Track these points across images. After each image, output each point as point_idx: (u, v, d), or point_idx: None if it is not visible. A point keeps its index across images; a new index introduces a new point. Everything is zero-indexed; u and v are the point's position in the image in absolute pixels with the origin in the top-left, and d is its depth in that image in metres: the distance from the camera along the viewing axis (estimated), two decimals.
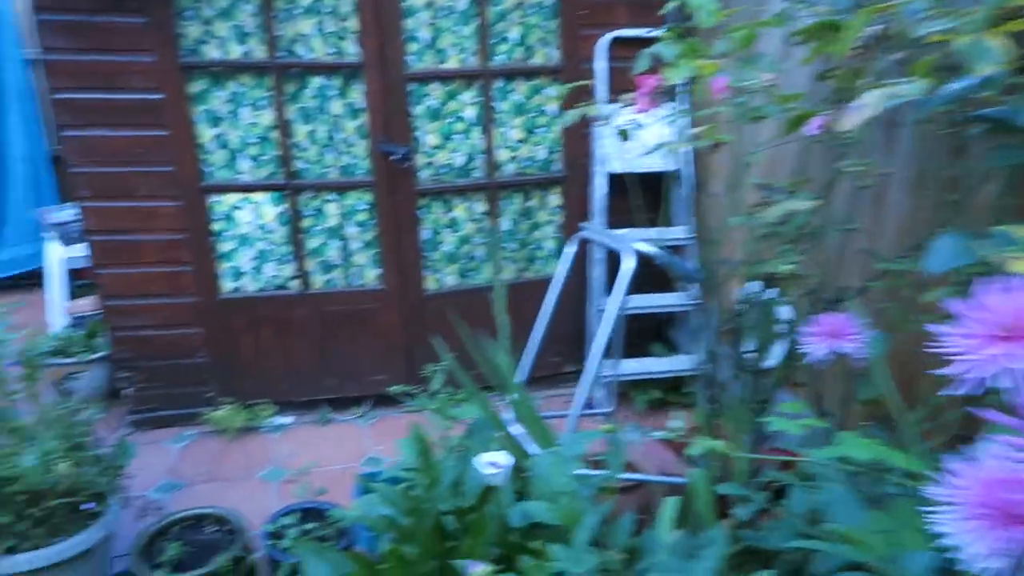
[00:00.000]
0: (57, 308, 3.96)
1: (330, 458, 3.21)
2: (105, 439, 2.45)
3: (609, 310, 2.37)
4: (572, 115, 2.13)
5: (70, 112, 2.95)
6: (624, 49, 3.37)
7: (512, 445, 2.16)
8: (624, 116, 2.27)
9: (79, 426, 2.32)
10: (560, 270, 2.76)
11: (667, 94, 2.38)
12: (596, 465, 2.58)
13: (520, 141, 3.43)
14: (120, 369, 3.34)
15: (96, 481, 2.28)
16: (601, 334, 2.37)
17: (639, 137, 2.34)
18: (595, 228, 2.80)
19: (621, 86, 3.14)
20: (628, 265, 2.38)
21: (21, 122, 4.63)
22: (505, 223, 3.51)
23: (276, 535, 2.38)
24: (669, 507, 1.86)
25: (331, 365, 3.47)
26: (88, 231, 3.14)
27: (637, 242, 2.46)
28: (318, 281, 3.39)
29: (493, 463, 1.83)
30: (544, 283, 2.90)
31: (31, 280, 4.92)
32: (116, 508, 2.36)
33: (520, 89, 3.36)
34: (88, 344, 3.56)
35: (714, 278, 2.35)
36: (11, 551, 2.13)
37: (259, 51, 3.03)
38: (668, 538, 1.77)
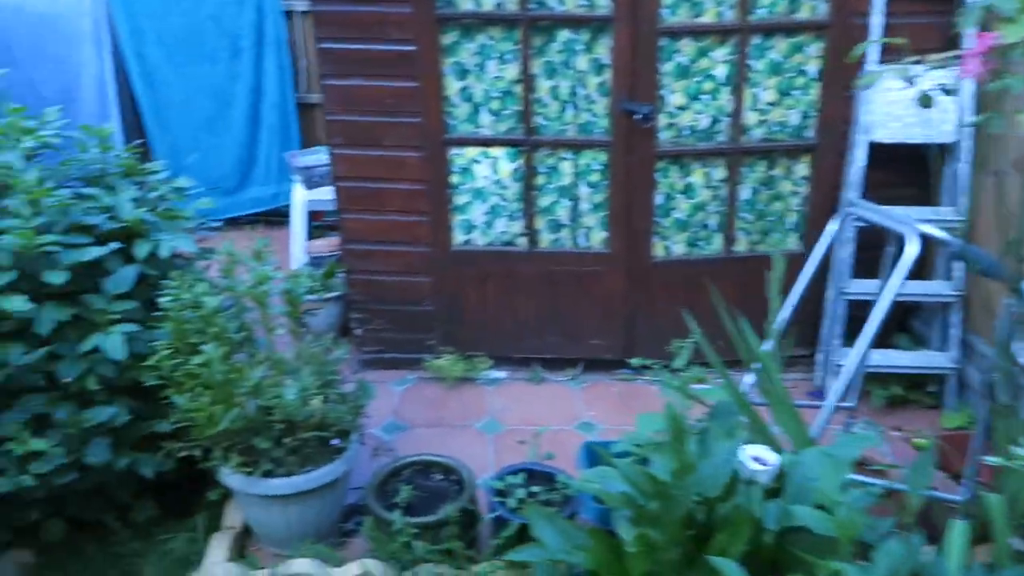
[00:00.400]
0: (298, 247, 4.23)
1: (542, 417, 3.19)
2: (346, 377, 2.56)
3: (884, 297, 2.10)
4: (871, 75, 1.87)
5: (332, 61, 3.07)
6: (903, 3, 2.98)
7: (763, 435, 1.99)
8: (928, 79, 1.97)
9: (330, 364, 2.43)
10: (818, 248, 2.51)
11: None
12: (860, 469, 2.35)
13: (772, 104, 3.15)
14: (353, 310, 3.51)
15: (342, 418, 2.38)
16: (872, 322, 2.12)
17: (940, 104, 2.03)
18: (866, 205, 2.51)
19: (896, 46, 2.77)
20: (912, 250, 2.10)
21: (276, 70, 4.97)
22: (744, 192, 3.27)
23: (501, 492, 2.38)
24: (958, 532, 1.62)
25: (550, 325, 3.44)
26: (337, 177, 3.28)
27: (923, 224, 2.16)
28: (545, 240, 3.34)
29: (759, 459, 1.67)
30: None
31: (272, 218, 5.32)
32: (356, 445, 2.46)
33: (779, 47, 3.07)
34: (325, 283, 3.77)
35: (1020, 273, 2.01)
36: (267, 474, 2.28)
37: (511, 3, 2.98)
38: (960, 570, 1.54)
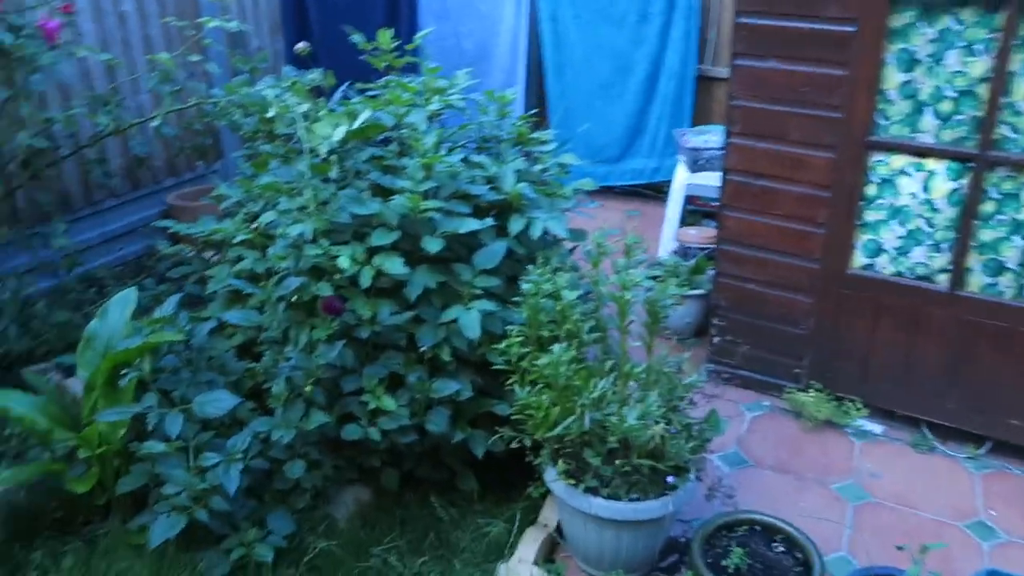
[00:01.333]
0: (669, 232, 3.98)
1: (922, 499, 2.57)
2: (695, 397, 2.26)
3: None
4: None
5: (748, 38, 2.69)
6: None
7: None
8: None
9: (680, 388, 2.15)
10: None
11: None
12: None
13: None
14: (715, 315, 3.17)
15: (681, 454, 2.10)
16: None
17: None
18: None
19: None
20: None
21: (681, 39, 4.69)
22: None
23: None
24: None
25: (955, 386, 2.75)
26: (727, 168, 2.92)
27: None
28: (975, 282, 2.64)
29: None
30: None
31: (648, 191, 5.14)
32: (692, 486, 2.16)
33: None
34: (690, 278, 3.48)
35: None
36: (590, 490, 2.10)
37: None
38: None
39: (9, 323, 2.95)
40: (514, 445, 2.19)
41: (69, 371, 2.77)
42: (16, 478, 2.19)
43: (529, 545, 2.29)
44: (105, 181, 3.53)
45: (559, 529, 2.36)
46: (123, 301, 2.36)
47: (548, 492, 2.31)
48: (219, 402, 2.06)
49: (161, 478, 2.05)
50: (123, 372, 2.12)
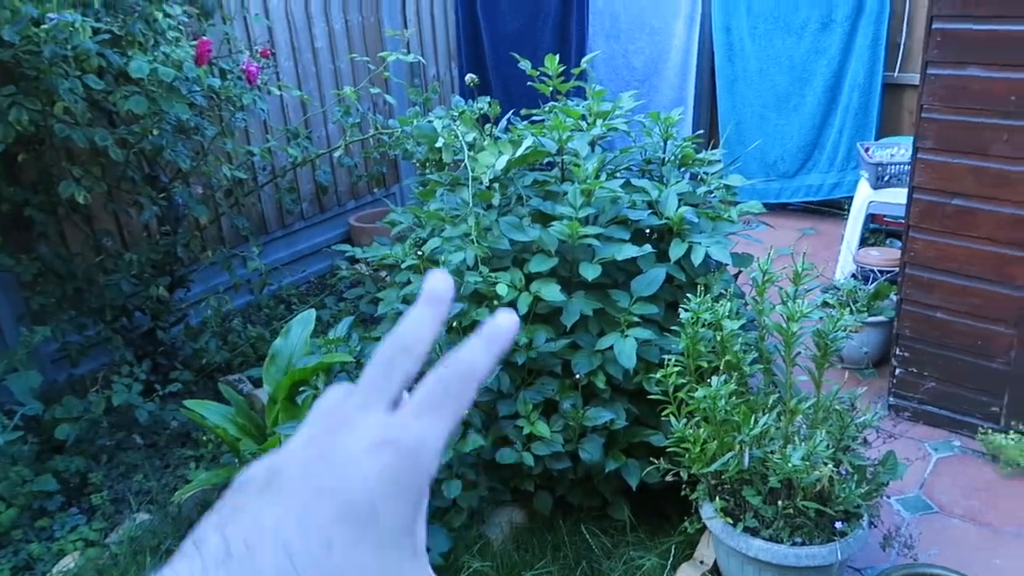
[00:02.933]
0: (847, 253, 3.72)
1: None
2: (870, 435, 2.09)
3: None
4: None
5: (943, 45, 2.48)
6: None
7: None
8: None
9: (852, 428, 2.00)
10: None
11: None
12: None
13: None
14: (898, 345, 2.92)
15: (851, 496, 1.95)
16: None
17: None
18: None
19: None
20: None
21: (868, 47, 4.37)
22: None
23: None
24: None
25: None
26: (916, 186, 2.69)
27: None
28: None
29: None
30: None
31: (824, 208, 4.85)
32: (864, 533, 2.00)
33: None
34: (870, 304, 3.23)
35: None
36: (750, 531, 2.01)
37: None
38: None
39: (210, 337, 3.29)
40: (669, 477, 2.13)
41: (257, 383, 3.04)
42: (210, 480, 2.43)
43: None
44: (293, 208, 3.85)
45: (716, 568, 2.27)
46: (304, 321, 2.56)
47: (705, 528, 2.23)
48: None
49: None
50: (301, 389, 2.29)
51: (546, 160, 2.60)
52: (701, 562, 2.28)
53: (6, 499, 2.52)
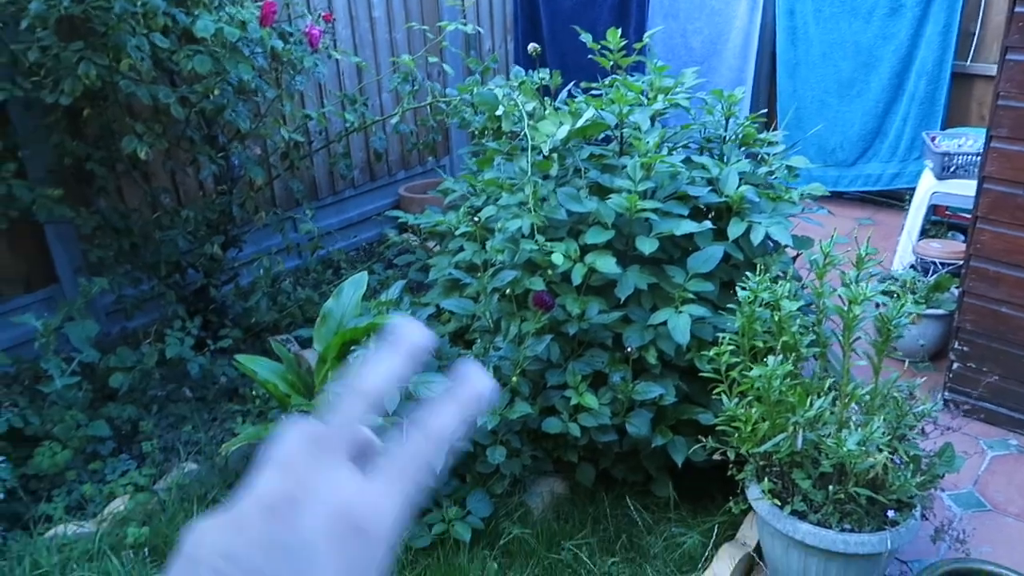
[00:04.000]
0: (907, 244, 3.63)
1: None
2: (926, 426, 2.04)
3: None
4: None
5: None
6: None
7: None
8: None
9: (910, 417, 1.95)
10: None
11: None
12: None
13: None
14: (956, 339, 2.84)
15: (906, 485, 1.90)
16: None
17: None
18: None
19: None
20: None
21: (939, 34, 4.21)
22: None
23: None
24: None
25: None
26: (986, 176, 2.60)
27: None
28: None
29: None
30: None
31: (882, 198, 4.73)
32: (916, 524, 1.96)
33: None
34: (929, 296, 3.14)
35: None
36: (798, 514, 1.97)
37: None
38: None
39: (261, 296, 3.33)
40: (715, 457, 2.11)
41: (305, 344, 3.07)
42: (258, 435, 2.47)
43: (725, 562, 2.19)
44: (347, 173, 3.88)
45: (758, 550, 2.24)
46: (356, 283, 2.58)
47: (749, 509, 2.20)
48: (432, 384, 2.18)
49: None
50: (352, 348, 2.31)
51: (602, 136, 2.57)
52: (744, 543, 2.26)
53: (62, 441, 2.59)
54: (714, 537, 2.29)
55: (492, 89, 2.51)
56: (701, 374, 2.10)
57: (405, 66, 3.19)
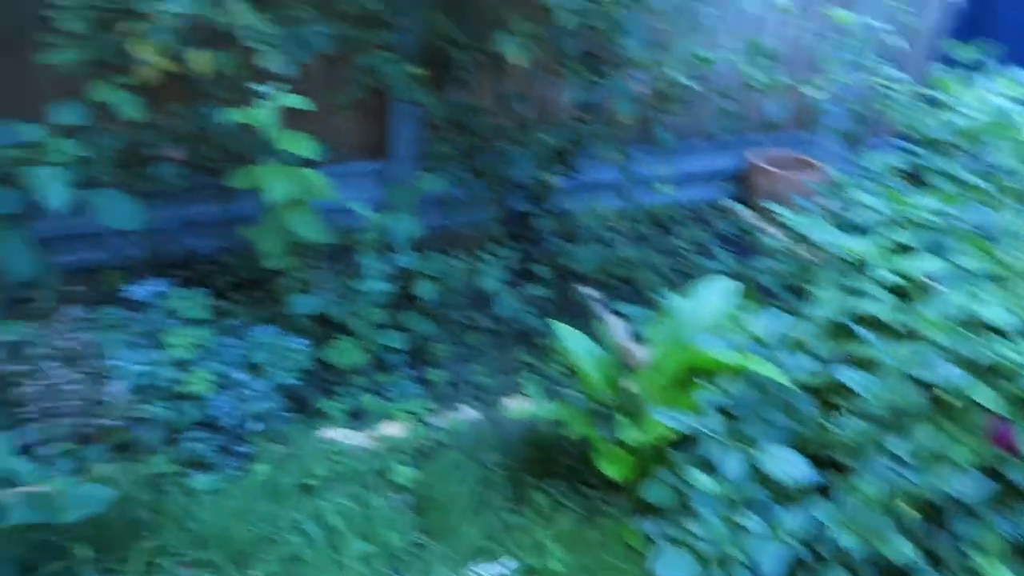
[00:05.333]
0: None
1: None
2: None
3: None
4: None
5: None
6: None
7: None
8: None
9: None
10: None
11: None
12: None
13: None
14: None
15: None
16: None
17: None
18: None
19: None
20: None
21: None
22: None
23: None
24: None
25: None
26: None
27: None
28: None
29: None
30: None
31: None
32: None
33: None
34: None
35: None
36: None
37: None
38: None
39: (584, 245, 3.00)
40: None
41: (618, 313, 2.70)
42: (552, 414, 2.16)
43: None
44: (733, 125, 3.33)
45: None
46: (720, 290, 2.10)
47: None
48: (790, 466, 1.70)
49: (689, 505, 1.80)
50: (698, 382, 1.86)
51: None
52: None
53: (359, 337, 2.47)
54: None
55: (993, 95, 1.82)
56: None
57: (846, 25, 2.52)
